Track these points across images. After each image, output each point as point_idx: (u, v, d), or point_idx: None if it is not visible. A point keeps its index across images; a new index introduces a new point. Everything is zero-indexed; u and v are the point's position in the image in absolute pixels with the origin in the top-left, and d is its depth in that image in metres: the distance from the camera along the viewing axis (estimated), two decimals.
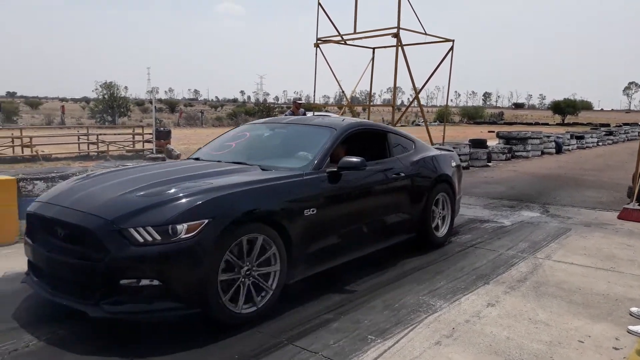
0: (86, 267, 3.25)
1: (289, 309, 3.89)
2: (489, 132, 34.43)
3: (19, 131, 19.91)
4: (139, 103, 74.68)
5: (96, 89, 37.50)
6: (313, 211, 4.04)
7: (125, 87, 40.49)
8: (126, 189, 3.71)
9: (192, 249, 3.26)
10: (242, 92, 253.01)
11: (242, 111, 51.72)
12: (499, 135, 18.55)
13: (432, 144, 11.64)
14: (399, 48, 10.28)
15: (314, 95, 12.70)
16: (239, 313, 3.52)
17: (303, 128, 5.18)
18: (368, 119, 13.78)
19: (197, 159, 5.01)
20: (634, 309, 3.92)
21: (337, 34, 11.68)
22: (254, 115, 43.94)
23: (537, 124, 58.01)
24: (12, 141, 17.41)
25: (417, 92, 11.22)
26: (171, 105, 73.87)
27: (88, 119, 40.11)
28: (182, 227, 3.26)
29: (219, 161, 4.71)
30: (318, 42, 11.84)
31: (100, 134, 19.71)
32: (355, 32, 11.26)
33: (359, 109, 41.55)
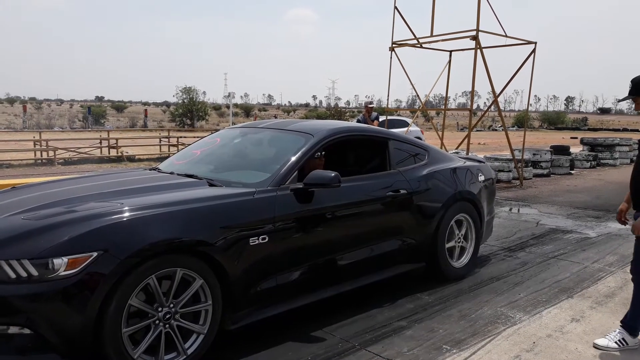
0: None
1: (359, 313, 3.86)
2: (572, 138, 32.75)
3: (106, 133, 21.26)
4: (216, 107, 77.45)
5: (177, 94, 39.29)
6: (263, 239, 3.25)
7: (204, 92, 42.11)
8: (21, 207, 3.09)
9: (71, 290, 2.55)
10: (314, 97, 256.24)
11: (313, 115, 52.32)
12: (583, 142, 17.55)
13: (511, 150, 11.20)
14: (478, 51, 9.98)
15: (388, 99, 12.59)
16: None
17: (277, 134, 4.29)
18: (443, 123, 13.50)
19: (156, 169, 4.34)
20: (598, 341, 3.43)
21: (412, 37, 11.53)
22: (326, 120, 44.21)
23: (625, 130, 54.29)
24: (100, 142, 18.59)
25: (495, 96, 10.84)
26: (246, 110, 75.99)
27: (168, 122, 42.02)
28: (60, 262, 2.55)
29: (171, 173, 4.01)
30: (393, 45, 11.74)
31: (180, 137, 20.61)
32: (432, 35, 11.06)
33: (433, 112, 40.75)
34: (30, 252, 2.57)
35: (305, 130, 4.08)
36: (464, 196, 4.74)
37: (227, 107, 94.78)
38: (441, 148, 12.29)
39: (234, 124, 35.63)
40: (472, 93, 10.42)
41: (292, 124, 4.34)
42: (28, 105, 49.11)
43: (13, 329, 2.56)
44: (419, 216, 4.35)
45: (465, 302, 4.16)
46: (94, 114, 40.61)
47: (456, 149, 12.17)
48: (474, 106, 10.85)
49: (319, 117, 47.74)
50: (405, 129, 15.05)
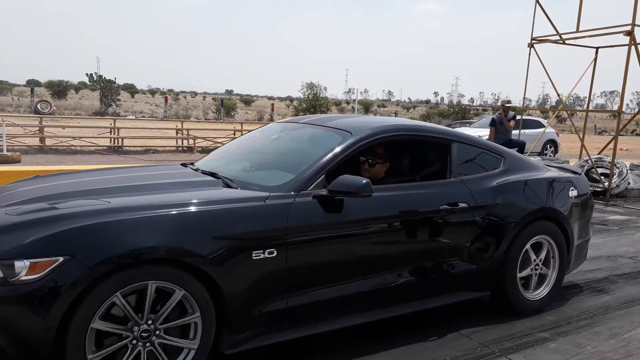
0: None
1: (498, 322, 3.74)
2: None
3: (239, 125, 22.61)
4: (337, 103, 78.69)
5: (302, 89, 40.62)
6: (271, 253, 2.82)
7: (325, 88, 42.81)
8: (15, 199, 2.96)
9: (30, 298, 2.29)
10: (436, 94, 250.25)
11: (435, 112, 51.12)
12: None
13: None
14: (632, 47, 9.10)
15: (523, 99, 11.97)
16: None
17: (315, 131, 3.83)
18: (584, 126, 12.50)
19: (191, 163, 4.04)
20: None
21: (555, 32, 10.81)
22: (448, 118, 43.10)
23: None
24: (234, 134, 19.80)
25: None
26: (366, 106, 76.31)
27: (292, 116, 43.55)
28: (22, 265, 2.31)
29: (196, 170, 3.71)
30: (533, 42, 11.09)
31: None
32: (577, 31, 10.28)
33: (565, 114, 37.87)
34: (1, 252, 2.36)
35: (344, 127, 3.57)
36: (546, 214, 3.93)
37: (347, 102, 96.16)
38: (581, 152, 11.42)
39: None
40: (623, 94, 9.53)
41: (334, 120, 3.88)
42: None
43: None
44: (482, 236, 3.64)
45: (614, 319, 3.86)
46: (226, 106, 43.25)
47: (598, 154, 11.22)
48: (613, 107, 9.90)
49: (442, 115, 46.54)
50: (540, 130, 14.20)
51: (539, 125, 16.14)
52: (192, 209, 2.75)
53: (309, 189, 3.05)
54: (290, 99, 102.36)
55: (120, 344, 2.51)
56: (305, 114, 39.65)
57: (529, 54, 11.18)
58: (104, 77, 35.00)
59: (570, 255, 4.14)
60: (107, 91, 34.73)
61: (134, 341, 2.55)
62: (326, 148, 3.31)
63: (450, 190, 3.59)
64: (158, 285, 2.56)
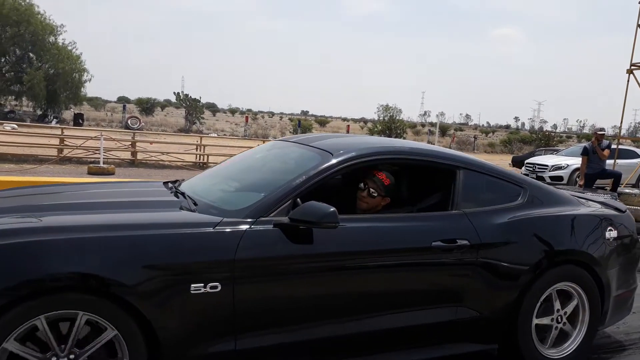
0: None
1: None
2: None
3: None
4: (412, 126, 78.03)
5: (377, 111, 40.63)
6: (214, 287, 2.50)
7: (399, 110, 42.65)
8: None
9: None
10: (516, 119, 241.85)
11: (516, 138, 49.37)
12: None
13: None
14: None
15: (620, 127, 11.28)
16: None
17: (297, 150, 3.45)
18: None
19: (176, 181, 3.81)
20: None
21: None
22: (531, 144, 41.45)
23: None
24: None
25: None
26: (442, 129, 75.08)
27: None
28: None
29: (171, 189, 3.45)
30: (632, 67, 10.48)
31: None
32: None
33: None
34: None
35: (327, 147, 3.19)
36: (573, 258, 3.37)
37: (423, 125, 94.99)
38: None
39: (430, 143, 35.41)
40: None
41: (322, 140, 3.51)
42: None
43: None
44: (488, 280, 3.14)
45: None
46: (303, 127, 44.04)
47: None
48: None
49: (523, 141, 44.84)
50: (636, 160, 13.29)
51: (634, 155, 15.10)
52: (124, 232, 2.48)
53: (271, 215, 2.72)
54: (364, 121, 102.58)
55: None
56: (381, 136, 39.57)
57: (628, 80, 10.56)
58: (190, 96, 36.74)
59: (606, 307, 3.50)
60: (192, 109, 36.41)
61: None
62: (300, 169, 2.98)
63: (448, 225, 3.12)
64: (90, 318, 2.33)
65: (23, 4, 35.28)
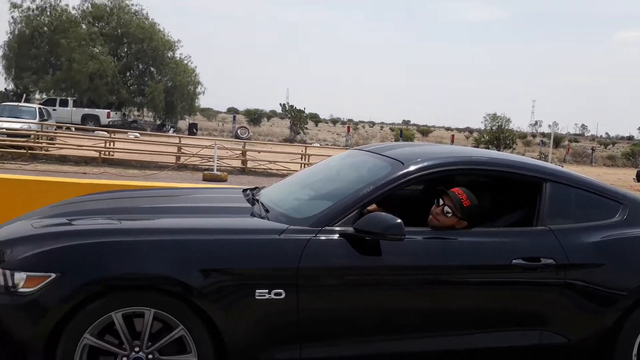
0: None
1: None
2: None
3: None
4: (521, 136, 74.20)
5: (484, 120, 39.07)
6: (278, 294, 2.52)
7: (508, 119, 40.58)
8: (50, 213, 3.07)
9: (24, 310, 2.40)
10: None
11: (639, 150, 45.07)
12: None
13: None
14: None
15: None
16: None
17: (369, 159, 3.39)
18: None
19: (255, 188, 3.88)
20: None
21: None
22: None
23: None
24: None
25: None
26: (555, 140, 70.63)
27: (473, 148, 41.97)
28: (20, 277, 2.40)
29: (247, 195, 3.51)
30: None
31: None
32: None
33: None
34: (9, 263, 2.49)
35: (398, 157, 3.09)
36: None
37: (533, 135, 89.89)
38: None
39: (542, 154, 33.28)
40: None
41: (395, 149, 3.42)
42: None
43: None
44: (578, 303, 2.90)
45: None
46: (404, 136, 43.48)
47: None
48: None
49: None
50: None
51: None
52: (194, 236, 2.63)
53: (337, 224, 2.70)
54: (470, 130, 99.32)
55: None
56: (488, 147, 37.99)
57: None
58: (295, 107, 37.73)
59: None
60: (297, 120, 37.35)
61: None
62: (369, 179, 2.94)
63: (530, 242, 2.92)
64: (158, 315, 2.47)
65: (146, 22, 38.45)
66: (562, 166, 19.67)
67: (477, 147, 39.89)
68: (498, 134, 37.86)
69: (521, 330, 2.90)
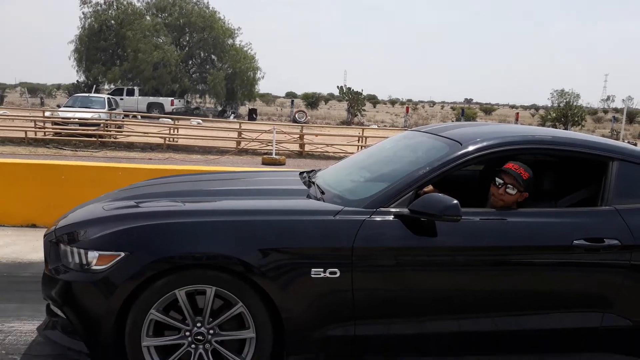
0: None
1: None
2: None
3: None
4: (592, 112, 70.39)
5: (551, 97, 37.35)
6: (333, 273, 2.58)
7: (577, 95, 38.56)
8: (120, 197, 3.27)
9: (96, 286, 2.59)
10: None
11: None
12: None
13: None
14: None
15: None
16: None
17: (425, 140, 3.34)
18: None
19: (312, 170, 3.93)
20: None
21: None
22: None
23: None
24: None
25: None
26: (629, 116, 66.45)
27: (536, 126, 40.28)
28: (93, 255, 2.61)
29: (304, 178, 3.60)
30: None
31: None
32: None
33: None
34: (83, 243, 2.69)
35: (456, 137, 3.05)
36: None
37: (605, 111, 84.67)
38: None
39: (614, 130, 31.47)
40: None
41: (453, 129, 3.36)
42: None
43: (59, 311, 2.75)
44: None
45: None
46: (466, 116, 42.37)
47: None
48: None
49: None
50: None
51: None
52: (252, 217, 2.72)
53: (392, 205, 2.72)
54: (536, 108, 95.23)
55: (173, 337, 2.63)
56: (555, 125, 36.29)
57: None
58: (352, 89, 37.54)
59: None
60: (354, 102, 37.18)
61: (189, 338, 2.62)
62: (426, 160, 2.92)
63: (594, 222, 2.82)
64: (219, 292, 2.59)
65: (207, 11, 39.31)
66: (636, 144, 18.58)
67: (543, 125, 38.27)
68: (566, 111, 36.04)
69: (581, 312, 2.85)
